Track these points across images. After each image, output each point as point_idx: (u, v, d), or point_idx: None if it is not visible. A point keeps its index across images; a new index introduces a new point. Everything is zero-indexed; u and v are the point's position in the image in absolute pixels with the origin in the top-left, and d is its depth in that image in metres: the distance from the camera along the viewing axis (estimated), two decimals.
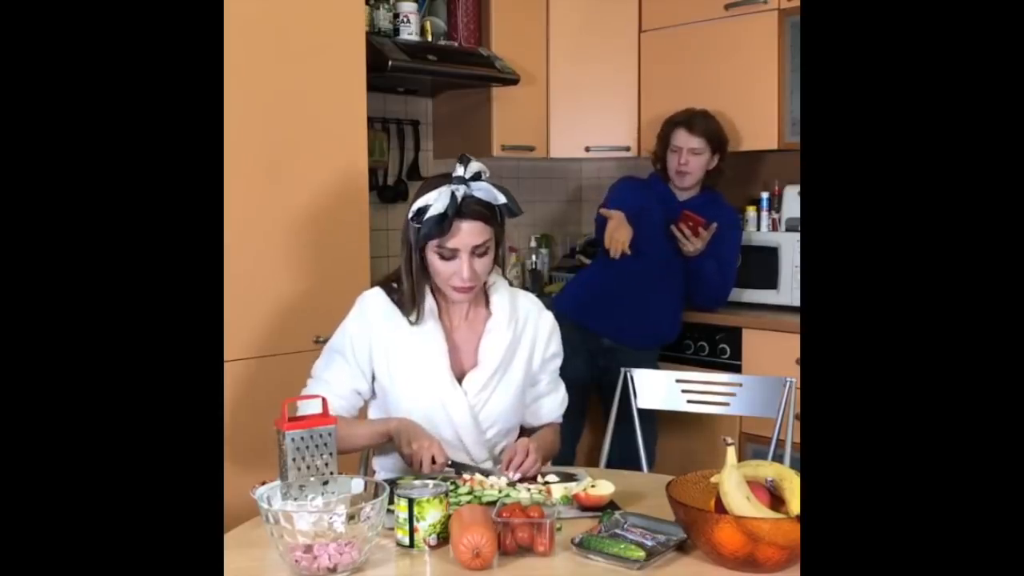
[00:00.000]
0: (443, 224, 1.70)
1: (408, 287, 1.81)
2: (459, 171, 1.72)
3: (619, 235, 2.75)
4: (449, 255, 1.74)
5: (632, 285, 3.02)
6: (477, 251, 1.74)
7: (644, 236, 2.96)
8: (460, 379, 1.83)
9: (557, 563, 1.40)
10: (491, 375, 1.83)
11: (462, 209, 1.70)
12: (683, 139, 3.04)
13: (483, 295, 1.88)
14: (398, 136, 3.50)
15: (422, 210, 1.71)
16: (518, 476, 1.69)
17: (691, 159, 3.03)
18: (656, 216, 2.99)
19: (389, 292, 1.86)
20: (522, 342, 1.89)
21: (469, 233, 1.72)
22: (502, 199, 1.73)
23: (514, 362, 1.87)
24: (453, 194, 1.70)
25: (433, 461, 1.68)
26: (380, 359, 1.84)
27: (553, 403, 2.00)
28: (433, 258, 1.76)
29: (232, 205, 2.28)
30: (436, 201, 1.70)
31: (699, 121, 3.07)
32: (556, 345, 1.97)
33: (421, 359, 1.81)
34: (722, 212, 3.09)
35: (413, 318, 1.81)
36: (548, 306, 2.00)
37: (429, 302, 1.83)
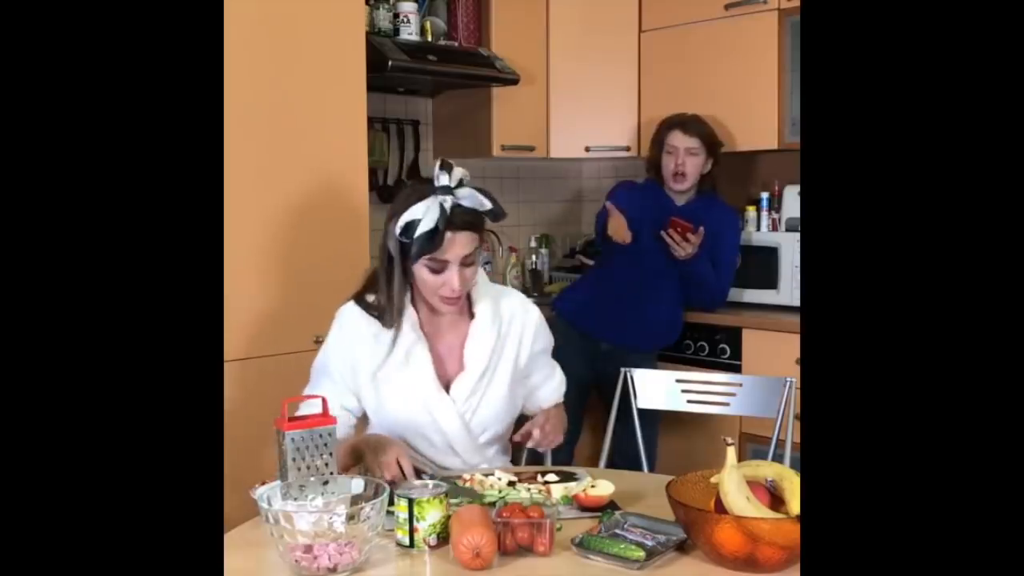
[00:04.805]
0: (435, 239, 1.66)
1: (388, 300, 1.77)
2: (443, 180, 1.67)
3: (620, 233, 2.89)
4: (439, 268, 1.71)
5: (630, 290, 3.04)
6: (466, 261, 1.72)
7: (642, 241, 2.97)
8: (447, 386, 1.81)
9: (557, 563, 1.40)
10: (478, 380, 1.81)
11: (452, 220, 1.67)
12: (679, 139, 3.05)
13: (465, 298, 1.84)
14: (398, 136, 3.50)
15: (411, 225, 1.66)
16: (545, 446, 1.79)
17: (688, 160, 3.04)
18: (653, 221, 2.99)
19: (366, 307, 1.82)
20: (507, 342, 1.86)
21: (460, 244, 1.70)
22: (488, 204, 1.70)
23: (500, 364, 1.85)
24: (442, 206, 1.65)
25: (402, 472, 1.65)
26: (364, 374, 1.81)
27: (551, 388, 2.00)
28: (422, 272, 1.72)
29: (232, 204, 2.28)
30: (425, 215, 1.65)
31: (693, 123, 3.09)
32: (544, 338, 1.95)
33: (405, 370, 1.79)
34: (720, 213, 3.10)
35: (393, 330, 1.78)
36: (548, 307, 2.00)
37: (409, 311, 1.80)
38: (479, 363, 1.82)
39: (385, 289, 1.78)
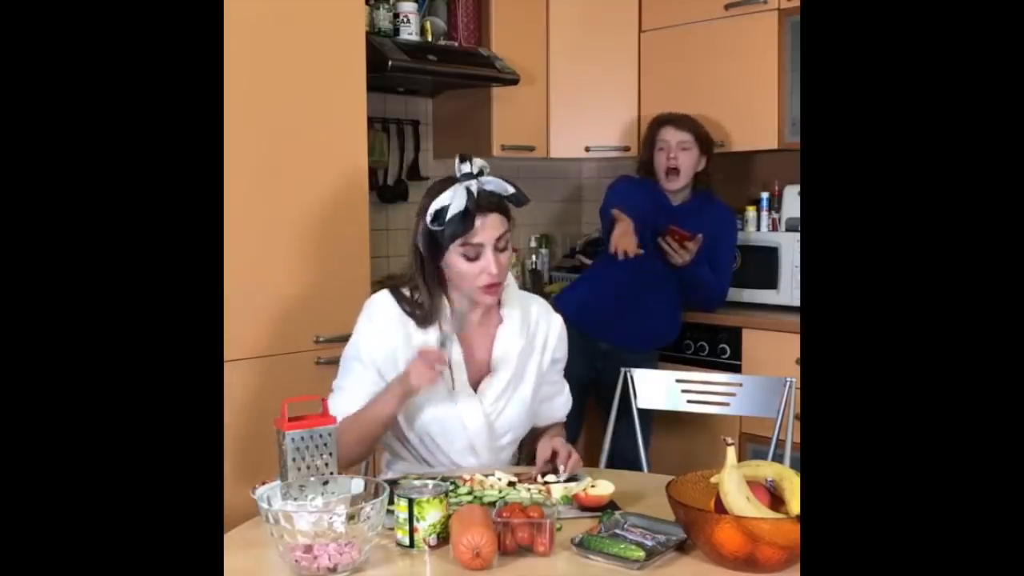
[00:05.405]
0: (466, 220, 1.70)
1: (426, 300, 1.79)
2: (465, 168, 1.72)
3: (624, 243, 2.77)
4: (474, 254, 1.73)
5: (630, 290, 3.03)
6: (499, 245, 1.75)
7: (642, 239, 2.96)
8: (474, 386, 1.82)
9: (557, 563, 1.40)
10: (507, 383, 1.83)
11: (479, 203, 1.71)
12: (670, 134, 3.04)
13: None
14: (398, 136, 3.50)
15: (440, 212, 1.70)
16: (566, 476, 1.70)
17: (680, 154, 3.02)
18: (652, 219, 2.99)
19: (399, 299, 1.83)
20: (534, 347, 1.89)
21: (491, 226, 1.73)
22: (511, 189, 1.74)
23: (528, 368, 1.87)
24: (468, 189, 1.70)
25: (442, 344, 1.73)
26: (392, 366, 1.80)
27: (557, 404, 2.01)
28: (457, 261, 1.74)
29: (232, 205, 2.27)
30: (453, 200, 1.69)
31: (683, 119, 3.09)
32: (563, 349, 1.97)
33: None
34: (717, 213, 3.09)
35: (427, 328, 1.80)
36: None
37: (443, 308, 1.81)
38: (508, 366, 1.84)
39: (424, 290, 1.80)
